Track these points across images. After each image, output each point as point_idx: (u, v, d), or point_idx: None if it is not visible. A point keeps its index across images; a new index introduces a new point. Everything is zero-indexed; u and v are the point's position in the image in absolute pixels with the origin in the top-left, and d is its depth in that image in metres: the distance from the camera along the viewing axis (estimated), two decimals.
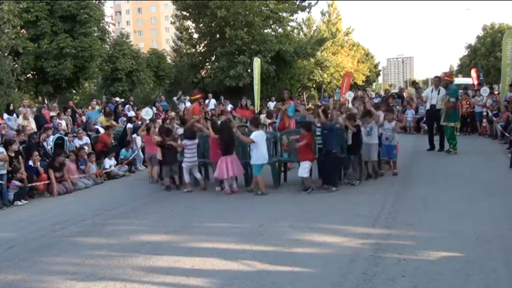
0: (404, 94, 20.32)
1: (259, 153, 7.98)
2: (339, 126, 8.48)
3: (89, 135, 12.27)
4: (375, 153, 8.73)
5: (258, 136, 8.00)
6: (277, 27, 29.07)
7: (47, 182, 9.33)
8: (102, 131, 12.71)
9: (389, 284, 4.10)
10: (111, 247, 5.61)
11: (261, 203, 7.48)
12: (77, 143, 11.48)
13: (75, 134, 11.83)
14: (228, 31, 25.66)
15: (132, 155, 11.77)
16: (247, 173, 8.59)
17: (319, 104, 14.23)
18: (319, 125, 8.18)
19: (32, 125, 12.29)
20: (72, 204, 8.45)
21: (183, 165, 8.63)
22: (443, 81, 11.54)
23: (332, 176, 8.15)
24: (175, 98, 20.58)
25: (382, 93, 29.63)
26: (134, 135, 12.08)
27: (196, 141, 8.76)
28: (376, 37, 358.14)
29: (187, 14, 28.42)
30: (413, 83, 25.13)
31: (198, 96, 12.17)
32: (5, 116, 12.67)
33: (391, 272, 4.32)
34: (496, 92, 18.08)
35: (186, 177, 8.64)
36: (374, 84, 62.19)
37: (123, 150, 11.81)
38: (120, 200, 8.54)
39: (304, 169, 7.91)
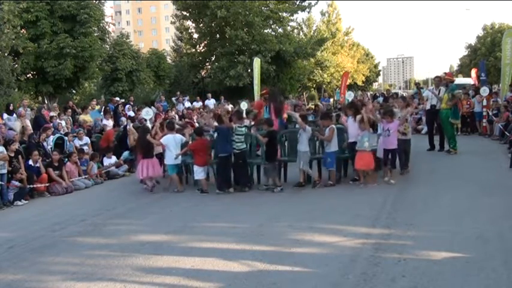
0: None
1: (172, 155, 8.69)
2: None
3: (90, 136, 12.29)
4: (303, 161, 8.19)
5: (170, 139, 8.76)
6: (277, 27, 29.02)
7: (46, 184, 9.35)
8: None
9: (389, 284, 4.10)
10: (110, 247, 5.61)
11: (260, 203, 7.49)
12: (77, 143, 11.47)
13: (75, 134, 11.82)
14: (228, 31, 25.65)
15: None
16: (247, 173, 8.64)
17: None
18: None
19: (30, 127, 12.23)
20: (72, 204, 8.46)
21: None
22: (443, 81, 11.55)
23: (222, 180, 8.32)
24: (174, 99, 20.58)
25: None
26: None
27: None
28: (376, 37, 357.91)
29: (187, 14, 28.40)
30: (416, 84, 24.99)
31: (264, 92, 12.90)
32: (5, 116, 12.65)
33: (391, 272, 4.32)
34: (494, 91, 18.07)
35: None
36: (374, 84, 62.13)
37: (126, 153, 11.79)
38: (120, 200, 8.55)
39: (196, 173, 8.51)
